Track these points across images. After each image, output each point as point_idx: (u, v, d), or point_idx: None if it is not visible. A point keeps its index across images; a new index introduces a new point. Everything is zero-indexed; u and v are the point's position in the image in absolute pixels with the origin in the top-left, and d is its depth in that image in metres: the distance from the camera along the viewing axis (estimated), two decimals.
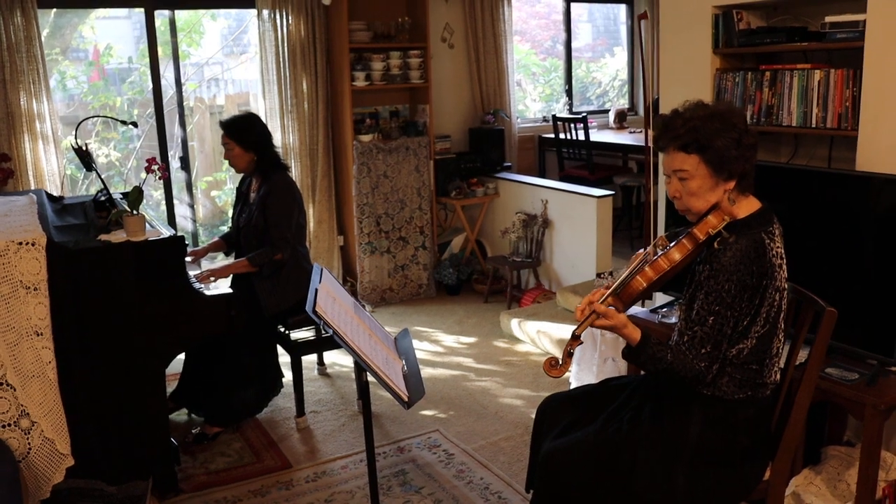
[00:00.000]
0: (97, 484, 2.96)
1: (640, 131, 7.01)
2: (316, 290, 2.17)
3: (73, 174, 5.71)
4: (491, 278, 5.88)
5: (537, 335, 4.81)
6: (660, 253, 2.22)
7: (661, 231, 3.82)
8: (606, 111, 7.76)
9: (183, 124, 5.64)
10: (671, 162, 2.19)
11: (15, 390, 2.71)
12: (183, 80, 5.63)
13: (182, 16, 5.85)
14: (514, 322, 5.00)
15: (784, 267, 2.22)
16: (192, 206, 5.77)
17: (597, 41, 8.37)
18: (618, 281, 2.23)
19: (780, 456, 2.30)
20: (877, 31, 2.76)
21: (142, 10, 5.31)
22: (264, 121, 4.14)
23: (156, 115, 5.46)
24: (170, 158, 5.55)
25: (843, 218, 2.84)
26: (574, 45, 8.00)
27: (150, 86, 5.42)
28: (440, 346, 4.97)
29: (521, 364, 4.61)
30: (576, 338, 2.18)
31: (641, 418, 2.30)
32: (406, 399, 2.05)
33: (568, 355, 2.16)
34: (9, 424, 2.72)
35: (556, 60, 7.75)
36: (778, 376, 2.28)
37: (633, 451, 2.21)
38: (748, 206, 2.22)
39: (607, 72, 8.34)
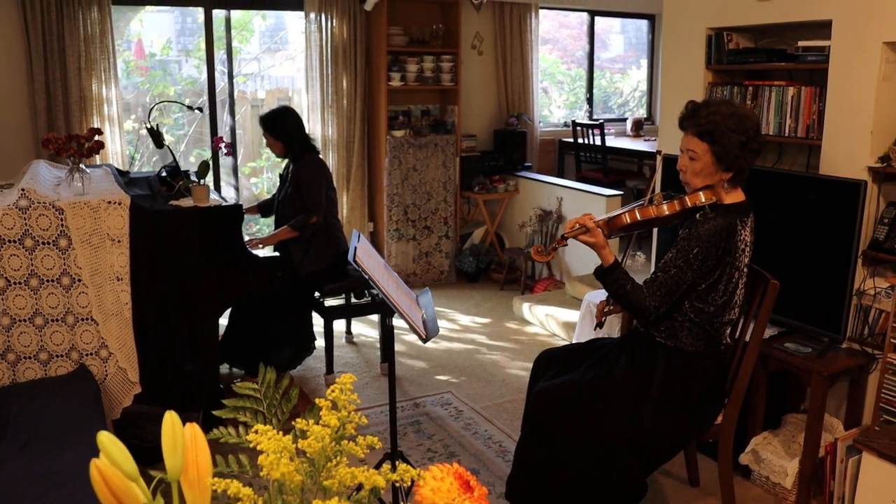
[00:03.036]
0: (158, 410, 3.48)
1: (655, 139, 7.44)
2: (356, 247, 2.68)
3: (130, 154, 6.27)
4: (507, 268, 6.37)
5: (545, 318, 5.28)
6: (653, 203, 2.70)
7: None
8: (625, 119, 8.21)
9: (233, 113, 6.18)
10: (687, 142, 2.65)
11: (98, 325, 3.25)
12: (234, 74, 6.17)
13: (236, 15, 6.40)
14: (526, 306, 5.48)
15: (747, 252, 2.68)
16: (236, 189, 6.32)
17: (627, 52, 8.81)
18: (612, 213, 2.73)
19: (731, 403, 2.77)
20: (839, 56, 3.21)
21: (189, 7, 5.94)
22: (306, 114, 4.61)
23: (209, 105, 6.00)
24: None
25: (807, 215, 3.29)
26: (605, 55, 8.45)
27: (199, 77, 5.98)
28: (457, 324, 5.46)
29: (529, 342, 5.09)
30: (563, 238, 2.75)
31: (617, 366, 2.77)
32: (424, 336, 2.54)
33: (553, 249, 2.75)
34: (91, 353, 3.26)
35: (581, 70, 8.22)
36: (729, 339, 2.75)
37: (608, 391, 2.69)
38: (734, 196, 2.69)
39: (629, 83, 8.79)
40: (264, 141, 4.45)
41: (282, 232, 4.33)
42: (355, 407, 0.91)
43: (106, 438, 0.84)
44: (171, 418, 0.88)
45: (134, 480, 0.84)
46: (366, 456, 2.99)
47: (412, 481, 0.84)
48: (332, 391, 0.92)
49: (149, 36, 6.61)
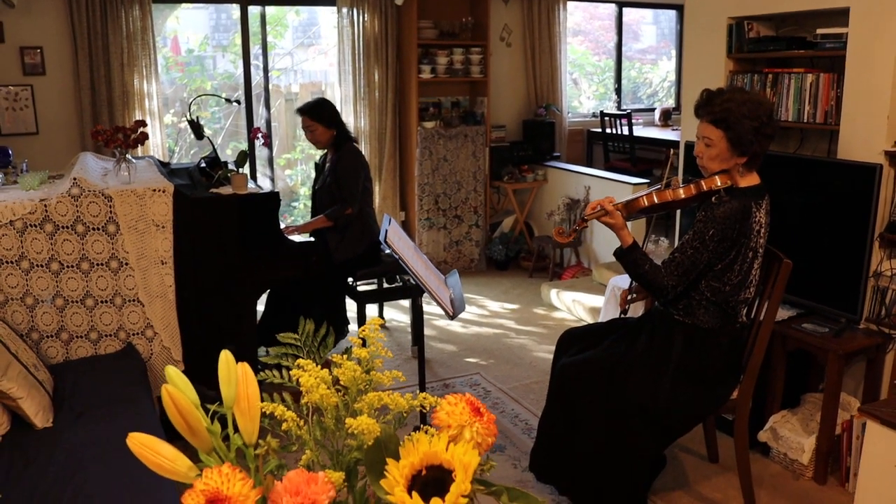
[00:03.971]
0: (200, 388, 3.66)
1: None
2: (386, 229, 2.83)
3: (170, 147, 6.49)
4: (536, 256, 6.49)
5: (573, 304, 5.40)
6: (671, 187, 2.82)
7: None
8: (654, 109, 8.27)
9: (268, 107, 6.38)
10: (702, 129, 2.76)
11: (144, 306, 3.44)
12: (269, 68, 6.36)
13: (270, 10, 6.59)
14: (553, 292, 5.60)
15: (762, 234, 2.77)
16: (272, 179, 6.52)
17: (660, 43, 8.85)
18: (630, 196, 2.86)
19: (746, 379, 2.88)
20: (857, 43, 3.28)
21: (225, 3, 6.14)
22: (339, 107, 4.78)
23: (245, 99, 6.20)
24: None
25: (825, 199, 3.37)
26: (637, 46, 8.50)
27: (235, 72, 6.17)
28: (486, 310, 5.60)
29: (556, 327, 5.21)
30: (583, 220, 2.88)
31: (638, 342, 2.89)
32: (451, 313, 2.69)
33: (574, 230, 2.87)
34: (137, 333, 3.46)
35: (611, 61, 8.29)
36: (745, 317, 2.85)
37: (628, 366, 2.81)
38: (750, 180, 2.79)
39: (659, 73, 8.84)
40: (299, 133, 4.61)
41: (317, 221, 4.50)
42: (382, 345, 1.06)
43: (172, 371, 0.99)
44: (225, 356, 1.03)
45: (196, 407, 0.99)
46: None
47: (430, 409, 0.98)
48: (363, 331, 1.07)
49: (185, 32, 6.83)
